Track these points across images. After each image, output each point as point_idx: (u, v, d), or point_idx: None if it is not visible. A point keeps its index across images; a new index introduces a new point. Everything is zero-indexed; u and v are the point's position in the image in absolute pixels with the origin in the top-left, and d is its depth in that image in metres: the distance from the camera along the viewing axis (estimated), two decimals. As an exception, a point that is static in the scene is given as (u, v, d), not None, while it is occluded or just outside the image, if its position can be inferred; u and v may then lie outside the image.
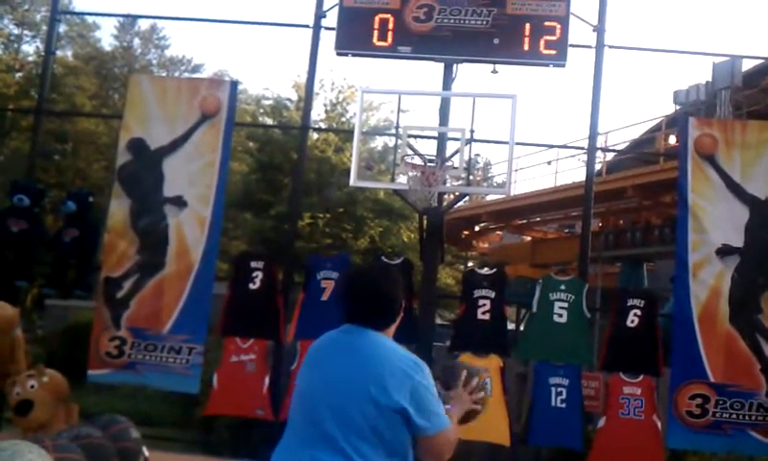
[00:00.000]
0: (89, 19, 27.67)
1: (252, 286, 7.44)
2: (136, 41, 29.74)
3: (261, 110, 24.47)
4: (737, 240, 7.07)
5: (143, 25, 29.04)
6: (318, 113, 22.83)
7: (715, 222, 7.14)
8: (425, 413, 2.88)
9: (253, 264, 7.53)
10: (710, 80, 15.70)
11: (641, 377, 7.03)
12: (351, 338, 2.99)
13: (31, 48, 27.79)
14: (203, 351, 7.34)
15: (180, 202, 7.56)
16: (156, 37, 29.49)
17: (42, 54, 8.87)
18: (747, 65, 15.45)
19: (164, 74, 27.53)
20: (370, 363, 2.89)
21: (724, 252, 7.05)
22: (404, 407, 2.81)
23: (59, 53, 22.93)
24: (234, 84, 8.06)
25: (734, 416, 6.85)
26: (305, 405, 2.92)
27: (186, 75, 27.51)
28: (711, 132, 7.35)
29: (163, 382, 7.52)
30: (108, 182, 8.64)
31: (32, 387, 5.11)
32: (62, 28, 23.57)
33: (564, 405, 7.11)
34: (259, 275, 7.48)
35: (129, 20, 28.09)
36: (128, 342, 7.40)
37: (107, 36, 29.12)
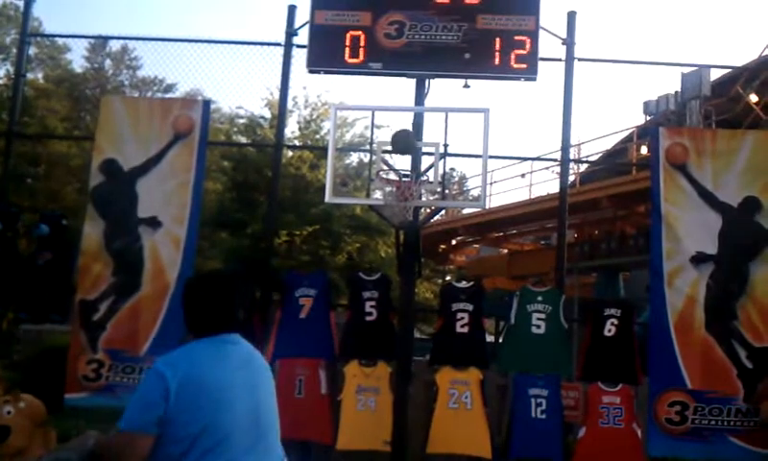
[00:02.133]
0: (60, 41, 27.49)
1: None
2: (108, 62, 29.61)
3: (235, 129, 24.41)
4: (711, 248, 7.14)
5: (114, 46, 28.91)
6: (292, 131, 22.83)
7: (689, 230, 7.21)
8: None
9: (230, 283, 7.50)
10: (679, 90, 15.91)
11: (620, 386, 7.06)
12: (242, 349, 3.24)
13: (1, 71, 27.58)
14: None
15: (154, 222, 7.52)
16: (127, 58, 29.36)
17: (13, 76, 8.79)
18: (715, 75, 15.67)
19: (136, 95, 27.40)
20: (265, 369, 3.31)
21: (698, 259, 7.12)
22: None
23: (29, 75, 22.77)
24: (207, 103, 8.04)
25: (713, 422, 6.90)
26: (236, 419, 3.03)
27: (159, 95, 27.38)
28: (682, 141, 7.43)
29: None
30: (82, 205, 8.54)
31: (8, 413, 5.04)
32: (33, 50, 23.39)
33: (544, 416, 7.13)
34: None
35: (100, 41, 27.92)
36: (105, 365, 7.35)
37: (78, 58, 28.96)
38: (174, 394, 2.93)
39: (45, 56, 27.89)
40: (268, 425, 3.11)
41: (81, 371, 7.35)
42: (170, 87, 29.02)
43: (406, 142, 6.94)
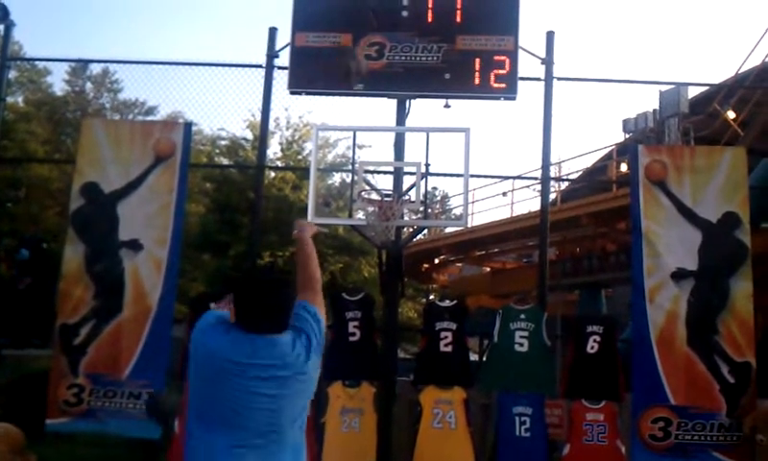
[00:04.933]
0: (40, 64, 27.36)
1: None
2: (89, 85, 29.42)
3: (217, 151, 24.36)
4: (691, 263, 7.19)
5: (95, 69, 28.76)
6: (274, 152, 22.82)
7: (669, 246, 7.25)
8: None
9: (214, 305, 7.46)
10: (658, 107, 16.05)
11: (603, 403, 7.08)
12: (274, 351, 3.11)
13: (-20, 95, 27.29)
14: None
15: (135, 245, 7.49)
16: (108, 81, 29.19)
17: (-8, 101, 8.74)
18: (693, 93, 15.82)
19: (117, 118, 27.28)
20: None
21: (679, 275, 7.17)
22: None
23: (9, 99, 22.62)
24: (188, 125, 8.04)
25: (697, 437, 6.92)
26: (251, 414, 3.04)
27: (140, 118, 27.26)
28: (661, 158, 7.50)
29: (124, 429, 7.39)
30: (63, 228, 8.50)
31: (-15, 440, 4.98)
32: (13, 74, 23.25)
33: (528, 434, 7.13)
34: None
35: (80, 65, 27.75)
36: (86, 389, 7.28)
37: (58, 81, 28.65)
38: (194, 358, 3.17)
39: (25, 79, 27.69)
40: (281, 428, 3.10)
41: (62, 396, 7.28)
42: (151, 110, 28.87)
43: None
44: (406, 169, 7.60)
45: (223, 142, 24.11)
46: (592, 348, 7.24)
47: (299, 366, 3.12)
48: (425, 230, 17.89)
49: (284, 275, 3.34)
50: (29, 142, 23.50)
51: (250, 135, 22.34)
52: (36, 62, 26.57)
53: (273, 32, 8.38)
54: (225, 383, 3.03)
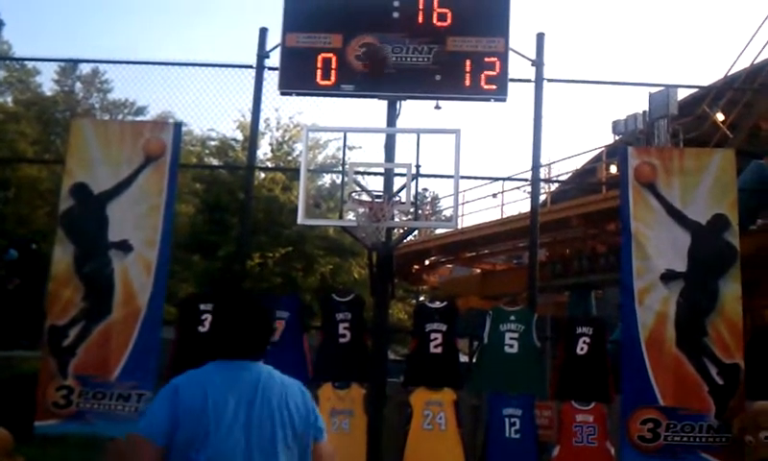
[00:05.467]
0: (29, 64, 27.26)
1: (201, 329, 7.32)
2: (78, 86, 29.31)
3: (207, 151, 24.33)
4: (681, 265, 7.20)
5: (85, 69, 28.67)
6: (264, 152, 22.84)
7: (658, 248, 7.27)
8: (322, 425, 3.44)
9: (203, 307, 7.44)
10: (647, 109, 16.10)
11: (593, 405, 7.09)
12: (250, 375, 3.25)
13: (-31, 96, 27.21)
14: (152, 397, 7.20)
15: (125, 246, 7.45)
16: (98, 81, 29.10)
17: (-19, 101, 8.71)
18: (682, 95, 15.88)
19: (107, 118, 27.18)
20: (285, 397, 3.28)
21: (668, 277, 7.18)
22: (318, 426, 3.41)
23: (-2, 99, 22.54)
24: (178, 125, 8.01)
25: (685, 439, 6.93)
26: (232, 445, 3.07)
27: (130, 118, 27.19)
28: (650, 160, 7.51)
29: (113, 430, 7.33)
30: (52, 229, 8.46)
31: (-26, 443, 4.97)
32: (2, 73, 23.21)
33: (518, 436, 7.13)
34: (209, 317, 7.38)
35: (70, 64, 27.66)
36: (75, 391, 7.23)
37: (47, 81, 28.52)
38: (180, 410, 3.10)
39: (14, 79, 27.58)
40: (266, 453, 3.13)
41: (50, 397, 7.23)
42: (141, 110, 28.80)
43: None
44: (397, 170, 7.59)
45: (213, 143, 24.12)
46: (582, 349, 7.25)
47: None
48: (416, 232, 17.92)
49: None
50: (18, 142, 23.40)
51: (240, 136, 22.35)
52: (26, 62, 26.46)
53: (263, 32, 8.38)
54: (212, 419, 3.08)
